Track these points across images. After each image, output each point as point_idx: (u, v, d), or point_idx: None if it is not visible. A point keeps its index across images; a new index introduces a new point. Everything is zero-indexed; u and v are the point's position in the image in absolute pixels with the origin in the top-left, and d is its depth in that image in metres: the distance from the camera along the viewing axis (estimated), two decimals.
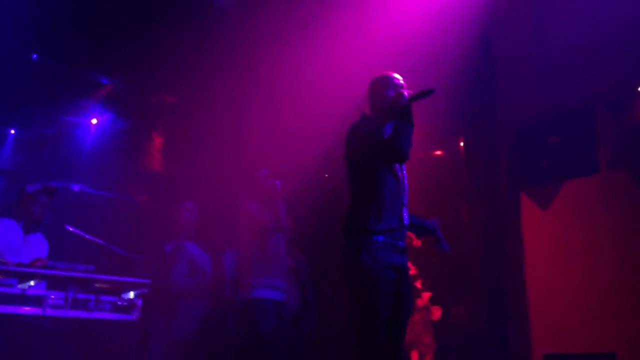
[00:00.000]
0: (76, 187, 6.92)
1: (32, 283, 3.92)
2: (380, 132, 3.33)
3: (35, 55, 6.50)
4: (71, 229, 4.57)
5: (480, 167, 6.43)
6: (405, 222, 3.39)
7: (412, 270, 5.92)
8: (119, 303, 4.21)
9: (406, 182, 3.47)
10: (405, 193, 3.44)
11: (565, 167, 6.27)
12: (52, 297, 3.91)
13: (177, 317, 5.10)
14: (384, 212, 3.27)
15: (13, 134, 7.42)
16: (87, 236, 4.61)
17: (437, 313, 6.05)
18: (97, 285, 4.12)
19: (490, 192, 6.36)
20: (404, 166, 3.49)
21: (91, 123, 7.42)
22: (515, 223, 6.33)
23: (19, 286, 3.92)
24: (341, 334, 5.72)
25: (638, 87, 5.79)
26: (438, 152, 6.76)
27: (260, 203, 4.93)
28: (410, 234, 6.05)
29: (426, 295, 6.01)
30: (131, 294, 4.32)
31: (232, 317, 5.17)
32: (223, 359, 5.32)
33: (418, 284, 5.95)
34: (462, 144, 6.54)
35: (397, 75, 3.54)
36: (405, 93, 3.36)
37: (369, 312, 3.13)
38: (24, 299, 3.83)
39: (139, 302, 4.34)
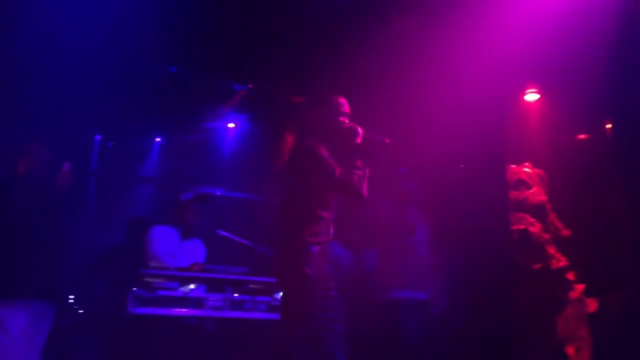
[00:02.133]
0: (217, 192, 7.24)
1: (192, 286, 4.15)
2: (336, 167, 3.52)
3: (174, 68, 6.84)
4: (223, 233, 4.77)
5: (629, 150, 6.03)
6: (332, 236, 3.66)
7: (563, 262, 5.69)
8: (273, 303, 4.37)
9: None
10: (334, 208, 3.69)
11: None
12: (212, 299, 4.12)
13: None
14: (320, 227, 3.54)
15: (158, 142, 7.89)
16: (237, 239, 4.80)
17: (592, 305, 5.76)
18: (251, 286, 4.29)
19: None
20: None
21: (228, 128, 7.72)
22: None
23: (181, 289, 4.17)
24: (493, 330, 5.61)
25: None
26: (582, 136, 6.41)
27: (394, 204, 4.94)
28: (558, 224, 5.82)
29: (579, 287, 5.74)
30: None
31: (375, 317, 5.21)
32: (367, 357, 5.37)
33: (570, 276, 5.70)
34: (608, 126, 6.16)
35: (346, 103, 3.77)
36: (359, 130, 3.62)
37: (303, 309, 3.40)
38: (186, 301, 4.06)
39: None
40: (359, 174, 3.53)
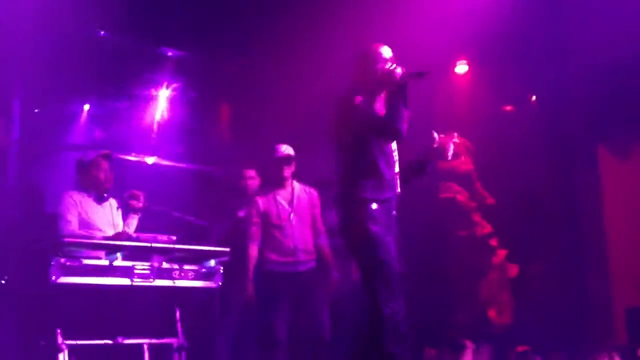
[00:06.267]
0: (150, 161, 7.12)
1: (119, 255, 4.08)
2: (373, 109, 3.45)
3: (102, 32, 6.62)
4: (151, 204, 4.69)
5: (553, 121, 6.24)
6: (397, 191, 3.53)
7: (487, 229, 5.88)
8: (202, 271, 4.35)
9: (396, 152, 3.57)
10: (396, 162, 3.56)
11: None
12: (138, 267, 4.06)
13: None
14: (380, 182, 3.43)
15: (87, 110, 7.63)
16: (166, 209, 4.74)
17: (513, 270, 5.99)
18: (178, 254, 4.25)
19: (565, 146, 6.17)
20: None
21: (160, 95, 7.55)
22: (593, 176, 6.15)
23: (106, 258, 4.09)
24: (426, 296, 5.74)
25: None
26: (508, 108, 6.59)
27: None
28: (484, 192, 5.98)
29: (502, 252, 5.95)
30: (212, 262, 4.44)
31: None
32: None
33: (493, 242, 5.91)
34: (533, 97, 6.35)
35: (386, 49, 3.59)
36: (398, 69, 3.43)
37: (385, 275, 3.29)
38: (112, 270, 3.99)
39: (220, 269, 4.46)
40: (397, 113, 3.37)
